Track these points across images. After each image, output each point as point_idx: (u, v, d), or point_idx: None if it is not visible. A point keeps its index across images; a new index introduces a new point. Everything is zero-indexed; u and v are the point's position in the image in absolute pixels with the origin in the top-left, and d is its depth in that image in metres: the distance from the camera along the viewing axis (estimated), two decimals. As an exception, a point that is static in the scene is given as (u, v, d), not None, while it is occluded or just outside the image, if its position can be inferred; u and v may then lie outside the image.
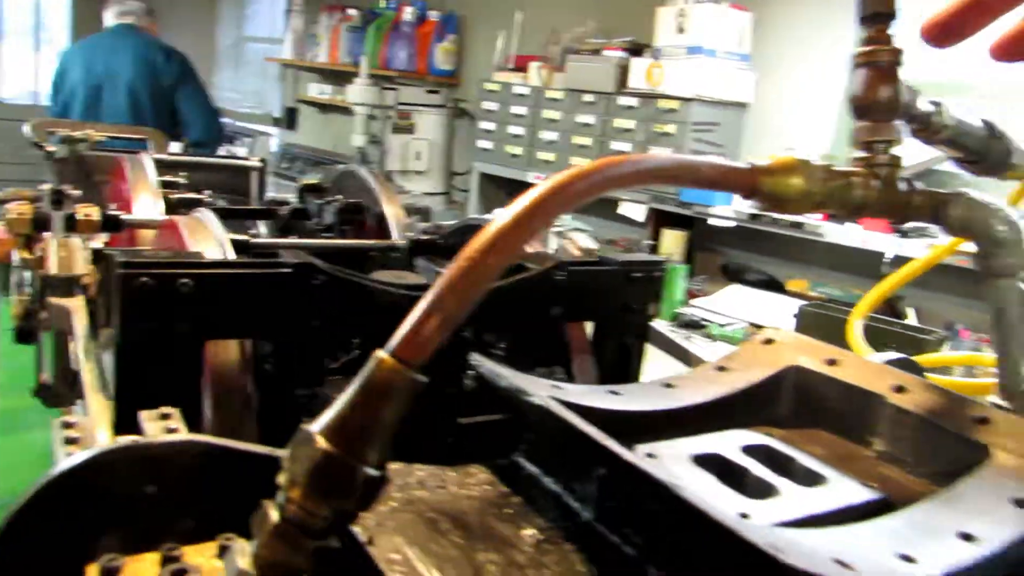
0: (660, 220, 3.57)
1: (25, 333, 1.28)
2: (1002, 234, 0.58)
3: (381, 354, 0.38)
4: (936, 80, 2.78)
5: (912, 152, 0.60)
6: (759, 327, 1.97)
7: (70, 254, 1.06)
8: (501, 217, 0.40)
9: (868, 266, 2.87)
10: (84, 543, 0.43)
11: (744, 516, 0.48)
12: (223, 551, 0.41)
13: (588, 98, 3.72)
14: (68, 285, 1.01)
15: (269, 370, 0.81)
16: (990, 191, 0.61)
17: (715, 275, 3.46)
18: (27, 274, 1.32)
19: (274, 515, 0.37)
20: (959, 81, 2.86)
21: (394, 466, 0.54)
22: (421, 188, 4.73)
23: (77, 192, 1.17)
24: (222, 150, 4.25)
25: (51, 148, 1.85)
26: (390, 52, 5.11)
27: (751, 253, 3.54)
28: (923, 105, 0.60)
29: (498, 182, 4.24)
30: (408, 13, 5.07)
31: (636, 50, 3.67)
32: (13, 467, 1.73)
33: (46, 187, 1.15)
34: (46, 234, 1.14)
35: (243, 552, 0.38)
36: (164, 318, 0.72)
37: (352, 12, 5.45)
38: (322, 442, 0.37)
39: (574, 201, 0.41)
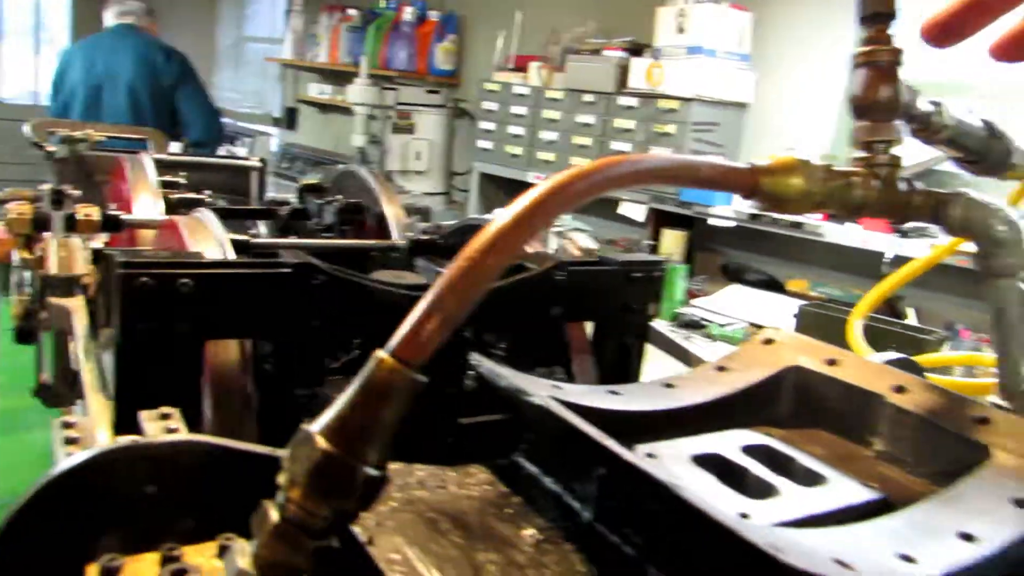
0: (660, 220, 3.57)
1: (25, 333, 1.28)
2: (1002, 234, 0.58)
3: (381, 354, 0.38)
4: (936, 80, 2.77)
5: (912, 152, 0.60)
6: (759, 327, 1.97)
7: (70, 254, 1.06)
8: (501, 217, 0.40)
9: (868, 266, 2.87)
10: (84, 543, 0.43)
11: (744, 516, 0.48)
12: (223, 551, 0.41)
13: (588, 98, 3.71)
14: (68, 285, 1.01)
15: (269, 370, 0.81)
16: (990, 191, 0.61)
17: (715, 275, 3.46)
18: (27, 274, 1.32)
19: (274, 515, 0.37)
20: (959, 81, 2.86)
21: (394, 466, 0.54)
22: (421, 188, 4.73)
23: (77, 192, 1.17)
24: (222, 150, 4.25)
25: (51, 148, 1.85)
26: (390, 52, 5.11)
27: (751, 253, 3.53)
28: (923, 105, 0.61)
29: (498, 182, 4.23)
30: (408, 13, 5.07)
31: (636, 50, 3.67)
32: (13, 467, 1.73)
33: (46, 187, 1.15)
34: (46, 234, 1.14)
35: (243, 552, 0.38)
36: (164, 318, 0.72)
37: (352, 12, 5.45)
38: (322, 442, 0.37)
39: (574, 201, 0.41)
